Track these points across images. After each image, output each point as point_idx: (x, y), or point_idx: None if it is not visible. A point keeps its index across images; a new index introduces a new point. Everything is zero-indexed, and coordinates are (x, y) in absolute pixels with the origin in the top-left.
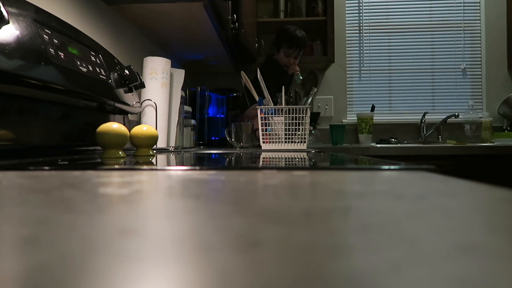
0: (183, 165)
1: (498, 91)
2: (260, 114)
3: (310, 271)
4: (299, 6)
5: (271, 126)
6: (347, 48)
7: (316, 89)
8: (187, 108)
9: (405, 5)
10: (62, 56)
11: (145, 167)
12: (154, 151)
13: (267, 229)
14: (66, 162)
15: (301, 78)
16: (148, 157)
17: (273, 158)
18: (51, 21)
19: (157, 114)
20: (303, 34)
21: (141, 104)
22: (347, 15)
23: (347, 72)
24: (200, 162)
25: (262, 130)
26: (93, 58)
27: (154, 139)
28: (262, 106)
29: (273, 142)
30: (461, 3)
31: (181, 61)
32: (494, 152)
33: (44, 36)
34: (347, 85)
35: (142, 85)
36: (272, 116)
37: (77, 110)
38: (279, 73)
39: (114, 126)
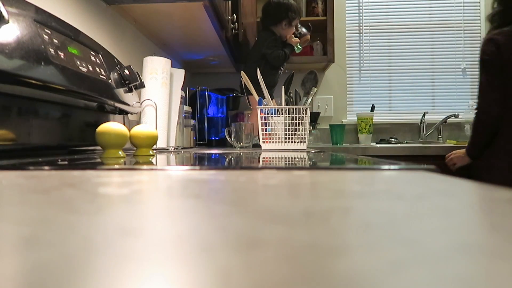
0: (183, 165)
1: None
2: (260, 114)
3: (310, 271)
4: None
5: (271, 126)
6: (347, 48)
7: (316, 89)
8: (187, 108)
9: (405, 5)
10: (62, 56)
11: (145, 167)
12: (154, 151)
13: (267, 229)
14: (66, 162)
15: (300, 48)
16: (148, 157)
17: (273, 158)
18: (51, 21)
19: (157, 114)
20: (294, 1)
21: (141, 104)
22: (347, 15)
23: (347, 72)
24: (200, 162)
25: (262, 130)
26: (93, 58)
27: (154, 139)
28: (262, 106)
29: (273, 142)
30: (461, 3)
31: (181, 61)
32: None
33: (44, 36)
34: (347, 85)
35: (142, 85)
36: (272, 116)
37: (77, 110)
38: (283, 44)
39: (114, 126)
